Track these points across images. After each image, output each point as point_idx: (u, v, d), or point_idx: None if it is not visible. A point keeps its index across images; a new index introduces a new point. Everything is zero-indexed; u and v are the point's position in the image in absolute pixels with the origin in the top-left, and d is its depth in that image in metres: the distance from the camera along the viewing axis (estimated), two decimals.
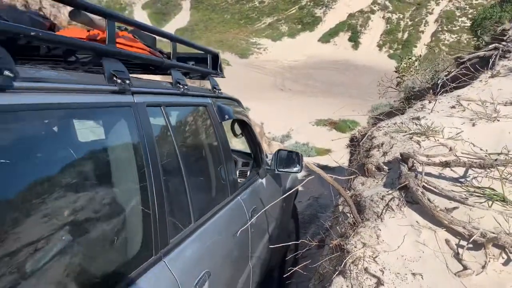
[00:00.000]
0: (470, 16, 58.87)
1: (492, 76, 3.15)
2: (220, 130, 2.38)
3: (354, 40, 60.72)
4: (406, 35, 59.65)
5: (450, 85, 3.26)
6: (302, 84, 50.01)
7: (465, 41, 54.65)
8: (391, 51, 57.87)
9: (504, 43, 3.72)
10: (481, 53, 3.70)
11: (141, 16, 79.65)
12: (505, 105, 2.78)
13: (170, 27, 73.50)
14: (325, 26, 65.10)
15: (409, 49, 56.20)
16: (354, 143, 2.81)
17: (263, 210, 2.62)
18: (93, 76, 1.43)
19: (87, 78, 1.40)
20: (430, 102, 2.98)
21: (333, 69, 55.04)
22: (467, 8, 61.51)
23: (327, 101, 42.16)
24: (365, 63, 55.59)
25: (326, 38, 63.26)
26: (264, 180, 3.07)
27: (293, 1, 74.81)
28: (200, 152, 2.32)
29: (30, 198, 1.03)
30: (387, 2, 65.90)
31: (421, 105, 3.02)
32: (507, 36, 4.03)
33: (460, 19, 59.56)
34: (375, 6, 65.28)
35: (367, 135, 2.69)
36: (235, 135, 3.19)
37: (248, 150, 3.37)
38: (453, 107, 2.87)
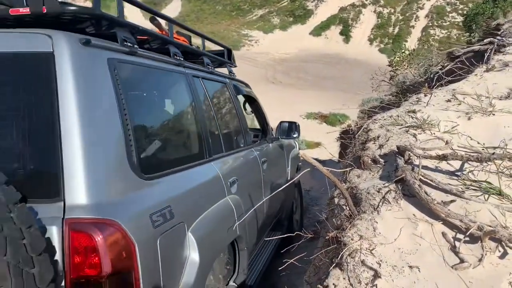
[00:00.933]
0: (460, 12, 59.23)
1: (487, 70, 3.16)
2: (236, 101, 3.40)
3: (345, 34, 60.75)
4: (397, 30, 59.88)
5: (445, 78, 3.26)
6: (293, 77, 49.92)
7: (455, 37, 54.98)
8: (382, 46, 58.05)
9: (499, 37, 3.73)
10: (476, 47, 3.70)
11: (131, 6, 78.40)
12: (500, 99, 2.79)
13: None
14: (317, 19, 65.00)
15: (400, 44, 56.12)
16: (349, 135, 2.80)
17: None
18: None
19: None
20: (425, 96, 2.98)
21: (324, 63, 55.03)
22: (458, 3, 61.87)
23: (317, 94, 42.14)
24: (356, 57, 55.68)
25: (318, 31, 63.18)
26: (270, 145, 3.98)
27: None
28: (224, 110, 3.24)
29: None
30: None
31: (416, 98, 3.02)
32: (502, 30, 4.05)
33: (450, 15, 59.92)
34: (366, 0, 65.31)
35: (363, 128, 2.68)
36: (246, 111, 3.96)
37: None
38: (449, 100, 2.87)
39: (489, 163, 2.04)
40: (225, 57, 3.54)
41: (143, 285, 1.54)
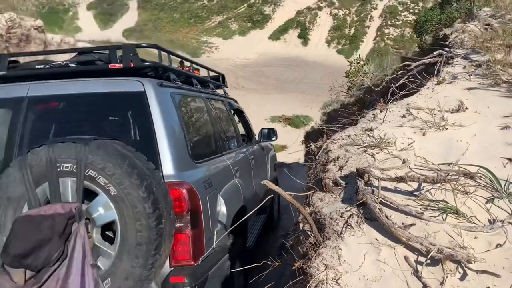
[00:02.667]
0: (411, 11, 61.64)
1: (438, 83, 3.26)
2: (231, 113, 4.64)
3: (303, 37, 61.78)
4: (353, 31, 61.46)
5: (399, 93, 3.35)
6: (255, 81, 50.20)
7: (408, 35, 57.12)
8: (339, 47, 59.44)
9: (447, 49, 3.87)
10: (426, 60, 3.82)
11: (86, 17, 76.56)
12: (451, 113, 2.88)
13: (117, 28, 71.20)
14: (275, 24, 65.74)
15: (357, 44, 58.04)
16: (310, 156, 2.81)
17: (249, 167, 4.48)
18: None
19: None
20: (381, 112, 3.04)
21: (284, 66, 55.67)
22: (409, 3, 64.29)
23: (280, 98, 42.60)
24: (315, 59, 56.70)
25: (276, 35, 63.90)
26: (255, 146, 5.05)
27: None
28: (225, 120, 4.21)
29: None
30: None
31: (373, 114, 3.07)
32: (449, 40, 4.21)
33: (403, 14, 62.15)
34: (321, 3, 66.69)
35: (322, 149, 2.69)
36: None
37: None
38: (404, 116, 2.94)
39: (445, 183, 2.09)
40: (220, 81, 4.76)
41: (204, 219, 2.65)
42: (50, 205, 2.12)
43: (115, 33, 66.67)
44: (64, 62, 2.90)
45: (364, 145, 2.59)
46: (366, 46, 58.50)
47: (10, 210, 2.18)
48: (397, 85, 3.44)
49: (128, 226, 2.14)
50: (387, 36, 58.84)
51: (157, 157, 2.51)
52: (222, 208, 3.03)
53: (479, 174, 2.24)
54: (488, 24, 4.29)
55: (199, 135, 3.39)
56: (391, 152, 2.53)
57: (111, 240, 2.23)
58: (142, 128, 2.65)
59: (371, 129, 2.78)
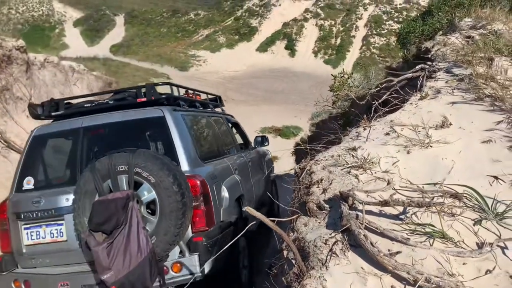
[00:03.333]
0: (396, 19, 62.57)
1: (421, 99, 3.21)
2: (229, 126, 5.66)
3: (291, 48, 62.20)
4: (339, 41, 62.06)
5: (382, 109, 3.29)
6: (244, 93, 50.28)
7: (393, 43, 57.87)
8: (326, 57, 59.92)
9: (429, 62, 3.84)
10: (409, 75, 3.78)
11: (73, 34, 76.36)
12: (436, 129, 2.83)
13: (105, 44, 71.07)
14: (262, 36, 66.16)
15: (343, 54, 58.61)
16: (295, 178, 2.72)
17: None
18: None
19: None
20: (364, 129, 2.97)
21: (273, 77, 55.91)
22: (393, 12, 65.23)
23: (269, 109, 42.69)
24: (302, 70, 57.07)
25: (264, 47, 64.27)
26: (251, 151, 6.13)
27: (228, 13, 75.31)
28: (224, 132, 5.31)
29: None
30: (318, 10, 68.29)
31: (356, 132, 3.01)
32: (431, 54, 4.18)
33: (387, 23, 62.98)
34: (307, 14, 67.37)
35: (306, 170, 2.61)
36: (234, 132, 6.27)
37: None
38: (387, 133, 2.87)
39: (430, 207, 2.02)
40: (218, 101, 5.84)
41: (212, 200, 3.62)
42: (113, 193, 3.26)
43: (102, 49, 66.50)
44: (105, 100, 4.08)
45: (348, 166, 2.52)
46: (352, 55, 59.13)
47: (87, 199, 3.32)
48: (379, 101, 3.39)
49: (164, 201, 3.24)
50: (372, 45, 59.54)
51: (176, 159, 3.59)
52: (225, 194, 4.07)
53: (465, 194, 2.17)
54: (469, 36, 4.29)
55: (204, 143, 4.59)
56: (375, 173, 2.46)
57: (153, 212, 3.31)
58: (164, 140, 3.84)
59: (354, 149, 2.71)
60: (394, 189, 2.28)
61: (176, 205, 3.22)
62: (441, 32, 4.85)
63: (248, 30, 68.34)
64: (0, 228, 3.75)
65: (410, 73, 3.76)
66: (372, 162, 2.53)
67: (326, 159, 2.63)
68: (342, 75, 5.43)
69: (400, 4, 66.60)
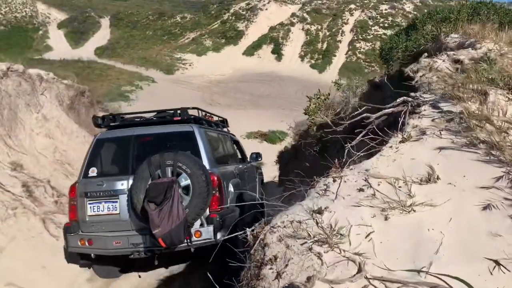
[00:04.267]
0: (381, 25, 62.71)
1: (403, 141, 2.69)
2: (231, 143, 7.35)
3: (277, 52, 61.95)
4: (325, 45, 62.03)
5: (356, 154, 2.76)
6: (230, 97, 49.74)
7: (378, 48, 57.86)
8: (313, 61, 59.87)
9: (413, 94, 3.31)
10: (389, 110, 3.25)
11: (57, 35, 74.77)
12: (420, 184, 2.30)
13: (89, 46, 69.68)
14: (248, 40, 65.82)
15: (329, 59, 58.45)
16: (246, 249, 2.16)
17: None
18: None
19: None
20: (334, 181, 2.44)
21: (259, 81, 55.53)
22: (378, 17, 65.53)
23: (256, 113, 42.17)
24: (289, 74, 56.75)
25: (250, 51, 63.95)
26: (248, 165, 7.49)
27: (215, 16, 74.69)
28: (229, 147, 6.95)
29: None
30: (305, 14, 68.18)
31: (324, 185, 2.46)
32: (415, 80, 3.67)
33: (373, 28, 63.21)
34: (294, 19, 67.19)
35: (259, 239, 2.06)
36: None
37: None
38: (361, 189, 2.34)
39: None
40: (225, 123, 7.47)
41: (225, 192, 5.23)
42: (161, 178, 4.72)
43: (87, 52, 65.24)
44: (151, 117, 5.75)
45: (310, 239, 1.97)
46: (338, 60, 59.15)
47: (143, 182, 4.72)
48: (353, 144, 2.86)
49: (195, 186, 4.68)
50: (358, 50, 59.63)
51: (201, 160, 5.06)
52: (231, 189, 5.58)
53: None
54: (457, 61, 3.79)
55: (216, 152, 6.01)
56: (344, 251, 1.92)
57: (187, 193, 4.75)
58: (193, 147, 5.16)
59: (320, 211, 2.17)
60: (366, 278, 1.74)
61: (203, 189, 4.75)
62: (426, 54, 4.36)
63: (234, 33, 67.96)
64: (70, 203, 5.36)
65: (391, 108, 3.23)
66: (341, 235, 1.99)
67: (285, 226, 2.08)
68: (318, 96, 4.90)
69: (385, 10, 66.92)
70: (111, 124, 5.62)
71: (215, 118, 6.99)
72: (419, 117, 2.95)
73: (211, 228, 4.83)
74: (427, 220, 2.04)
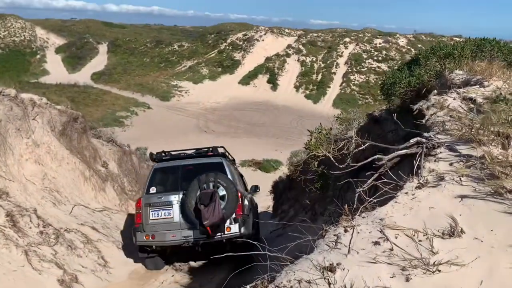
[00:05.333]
0: (375, 58, 63.83)
1: (419, 187, 2.47)
2: (236, 170, 9.33)
3: (273, 82, 62.68)
4: (320, 77, 62.90)
5: (368, 200, 2.52)
6: (225, 125, 49.77)
7: (373, 81, 58.72)
8: (308, 92, 60.59)
9: (426, 134, 3.10)
10: (401, 152, 3.04)
11: (54, 60, 75.11)
12: (443, 238, 2.06)
13: (86, 71, 69.98)
14: (244, 69, 66.67)
15: (324, 90, 59.08)
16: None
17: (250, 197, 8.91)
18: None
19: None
20: (346, 231, 2.19)
21: (254, 110, 55.81)
22: (373, 50, 66.87)
23: (250, 141, 42.07)
24: (284, 103, 57.14)
25: (246, 80, 64.67)
26: (249, 195, 8.63)
27: (212, 45, 75.73)
28: (240, 177, 9.13)
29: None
30: (300, 46, 69.41)
31: (334, 235, 2.20)
32: (426, 119, 3.49)
33: (367, 61, 64.36)
34: (290, 50, 68.31)
35: None
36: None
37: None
38: (377, 243, 2.09)
39: None
40: (234, 160, 9.35)
41: (243, 203, 7.37)
42: (207, 190, 6.73)
43: (83, 77, 65.52)
44: (191, 152, 8.23)
45: None
46: (333, 91, 59.89)
47: (194, 193, 6.73)
48: (364, 187, 2.63)
49: (229, 195, 6.76)
50: (352, 82, 60.50)
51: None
52: (246, 202, 7.44)
53: None
54: (470, 99, 3.63)
55: (236, 176, 8.04)
56: None
57: (223, 199, 6.76)
58: (223, 173, 7.19)
59: (331, 269, 1.91)
60: None
61: (233, 198, 6.81)
62: (435, 91, 4.19)
63: (231, 63, 68.86)
64: (136, 211, 7.28)
65: (404, 149, 3.01)
66: None
67: (291, 286, 1.81)
68: (319, 130, 4.70)
69: (379, 44, 68.33)
70: (163, 158, 8.11)
71: (231, 157, 9.25)
72: (435, 161, 2.73)
73: (237, 225, 6.92)
74: (455, 283, 1.79)
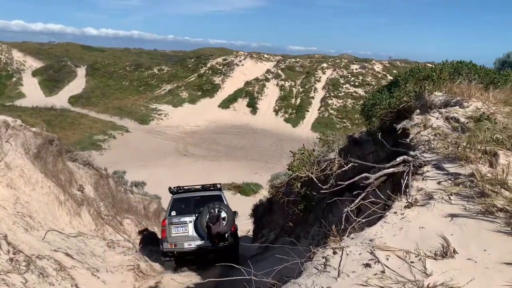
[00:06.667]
0: (352, 83, 65.29)
1: (408, 206, 2.41)
2: (225, 199, 11.41)
3: (252, 106, 63.18)
4: (298, 101, 63.82)
5: (356, 220, 2.44)
6: (204, 148, 49.51)
7: (350, 105, 59.88)
8: (287, 116, 61.26)
9: (412, 152, 3.08)
10: (388, 170, 3.00)
11: (31, 83, 73.97)
12: (435, 259, 1.98)
13: (63, 94, 69.08)
14: (224, 93, 67.11)
15: (302, 114, 59.85)
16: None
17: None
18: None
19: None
20: (335, 253, 2.09)
21: (234, 133, 55.89)
22: (349, 76, 68.53)
23: (230, 164, 41.86)
24: (263, 127, 57.46)
25: (226, 104, 65.01)
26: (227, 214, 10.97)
27: (192, 69, 76.11)
28: (225, 205, 10.90)
29: None
30: (279, 71, 70.58)
31: (323, 257, 2.10)
32: (411, 138, 3.47)
33: (344, 86, 65.80)
34: (269, 75, 69.32)
35: None
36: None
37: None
38: (368, 265, 2.00)
39: None
40: (218, 187, 11.51)
41: (236, 223, 10.84)
42: (213, 213, 9.93)
43: (60, 100, 64.66)
44: (199, 186, 11.53)
45: None
46: (311, 115, 60.73)
47: (205, 215, 9.91)
48: (352, 207, 2.55)
49: (228, 217, 9.89)
50: (330, 106, 61.55)
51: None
52: (236, 224, 10.61)
53: None
54: (453, 118, 3.65)
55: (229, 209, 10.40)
56: None
57: (224, 220, 9.89)
58: (221, 202, 10.34)
59: None
60: None
61: (230, 219, 9.75)
62: (418, 111, 4.22)
63: (211, 87, 69.25)
64: (162, 228, 10.14)
65: (390, 168, 2.96)
66: None
67: None
68: (302, 151, 4.63)
69: (356, 69, 70.09)
70: (179, 191, 11.04)
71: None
72: (423, 179, 2.68)
73: (232, 237, 9.96)
74: None
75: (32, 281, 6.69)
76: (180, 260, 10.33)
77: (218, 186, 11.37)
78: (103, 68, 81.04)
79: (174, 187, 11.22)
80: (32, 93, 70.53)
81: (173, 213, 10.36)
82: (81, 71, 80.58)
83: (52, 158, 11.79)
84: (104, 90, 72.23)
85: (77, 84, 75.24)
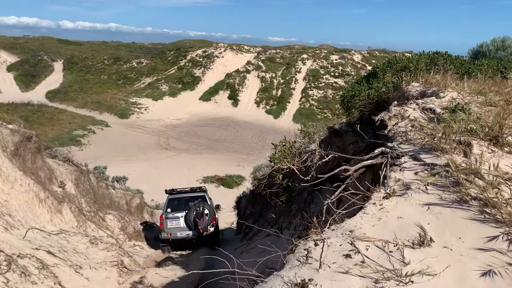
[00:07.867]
0: (332, 74, 65.72)
1: (387, 197, 2.47)
2: (210, 199, 14.62)
3: (233, 98, 62.89)
4: (280, 92, 63.82)
5: (336, 211, 2.49)
6: (186, 141, 49.17)
7: (331, 96, 60.32)
8: (268, 107, 61.20)
9: (390, 144, 3.15)
10: (367, 162, 3.06)
11: (6, 78, 71.82)
12: (413, 248, 2.05)
13: (40, 89, 67.36)
14: (205, 85, 66.55)
15: (284, 105, 59.95)
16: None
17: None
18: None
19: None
20: (316, 245, 2.14)
21: (216, 126, 55.62)
22: (329, 66, 68.82)
23: (212, 157, 41.73)
24: (245, 119, 57.36)
25: (207, 96, 64.53)
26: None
27: (171, 62, 75.23)
28: (208, 204, 13.96)
29: None
30: (260, 63, 70.35)
31: (304, 249, 2.14)
32: (388, 129, 3.54)
33: (324, 77, 66.04)
34: (249, 66, 69.04)
35: None
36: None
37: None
38: (348, 255, 2.05)
39: None
40: (204, 189, 14.70)
41: (217, 218, 14.16)
42: (199, 210, 12.97)
43: (37, 95, 63.05)
44: (189, 189, 14.46)
45: None
46: (292, 106, 60.83)
47: (193, 211, 12.87)
48: (333, 199, 2.60)
49: (210, 213, 12.86)
50: (311, 97, 61.76)
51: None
52: (218, 217, 13.93)
53: None
54: (429, 109, 3.74)
55: (212, 204, 13.94)
56: None
57: (207, 215, 12.86)
58: (205, 200, 13.29)
59: (304, 285, 1.84)
60: None
61: (212, 214, 12.72)
62: (395, 102, 4.30)
63: (191, 79, 68.58)
64: (160, 221, 13.03)
65: (369, 160, 3.03)
66: None
67: None
68: (283, 143, 4.66)
69: (336, 60, 70.42)
70: (173, 193, 13.60)
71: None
72: (400, 170, 2.75)
73: (213, 228, 12.52)
74: None
75: (14, 281, 6.60)
76: (174, 245, 13.38)
77: (204, 188, 14.67)
78: (81, 62, 79.35)
79: (169, 190, 14.27)
80: (7, 88, 68.58)
81: (169, 209, 13.29)
82: (58, 66, 78.67)
83: (31, 155, 11.56)
84: (82, 85, 70.76)
85: (55, 79, 73.47)
